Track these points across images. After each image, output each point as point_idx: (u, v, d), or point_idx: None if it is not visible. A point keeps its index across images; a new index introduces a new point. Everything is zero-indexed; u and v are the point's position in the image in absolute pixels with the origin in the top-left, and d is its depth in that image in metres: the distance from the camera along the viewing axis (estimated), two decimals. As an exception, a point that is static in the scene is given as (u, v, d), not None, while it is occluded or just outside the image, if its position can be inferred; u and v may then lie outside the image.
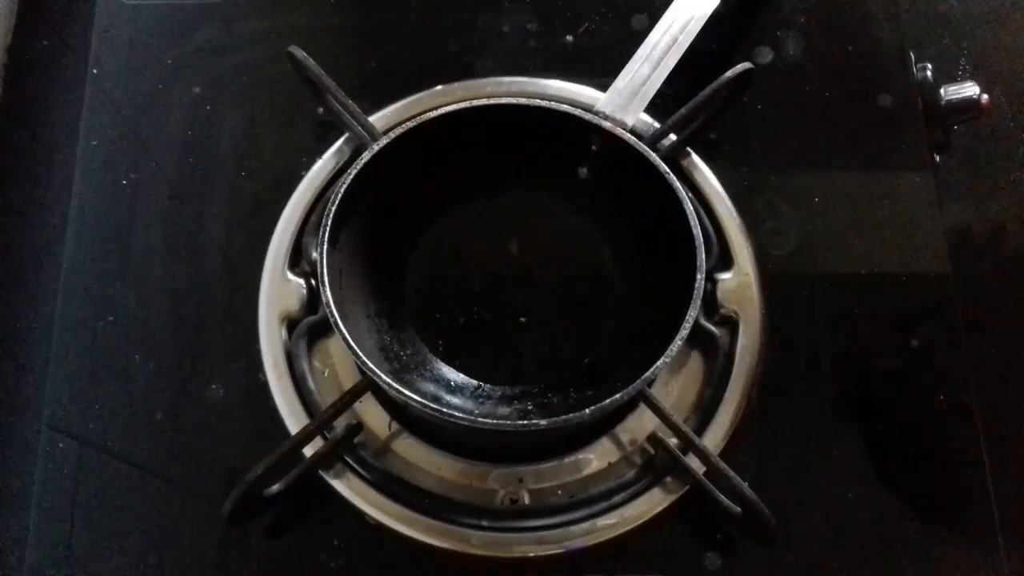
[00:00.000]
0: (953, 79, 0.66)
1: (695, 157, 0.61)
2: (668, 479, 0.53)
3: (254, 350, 0.56)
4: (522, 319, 0.57)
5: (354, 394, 0.52)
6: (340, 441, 0.52)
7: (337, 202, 0.51)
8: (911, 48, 0.65)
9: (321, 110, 0.61)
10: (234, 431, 0.55)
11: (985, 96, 0.64)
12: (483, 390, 0.55)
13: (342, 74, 0.60)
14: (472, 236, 0.59)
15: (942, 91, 0.63)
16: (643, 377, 0.48)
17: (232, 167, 0.61)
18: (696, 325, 0.51)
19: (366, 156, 0.53)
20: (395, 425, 0.54)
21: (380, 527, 0.52)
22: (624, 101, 0.56)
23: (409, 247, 0.58)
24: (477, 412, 0.53)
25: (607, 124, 0.54)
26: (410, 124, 0.54)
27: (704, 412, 0.54)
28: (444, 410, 0.48)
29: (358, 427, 0.54)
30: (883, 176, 0.61)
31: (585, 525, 0.52)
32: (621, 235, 0.58)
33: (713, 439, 0.53)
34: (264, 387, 0.55)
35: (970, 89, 0.64)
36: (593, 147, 0.56)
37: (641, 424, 0.54)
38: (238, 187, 0.61)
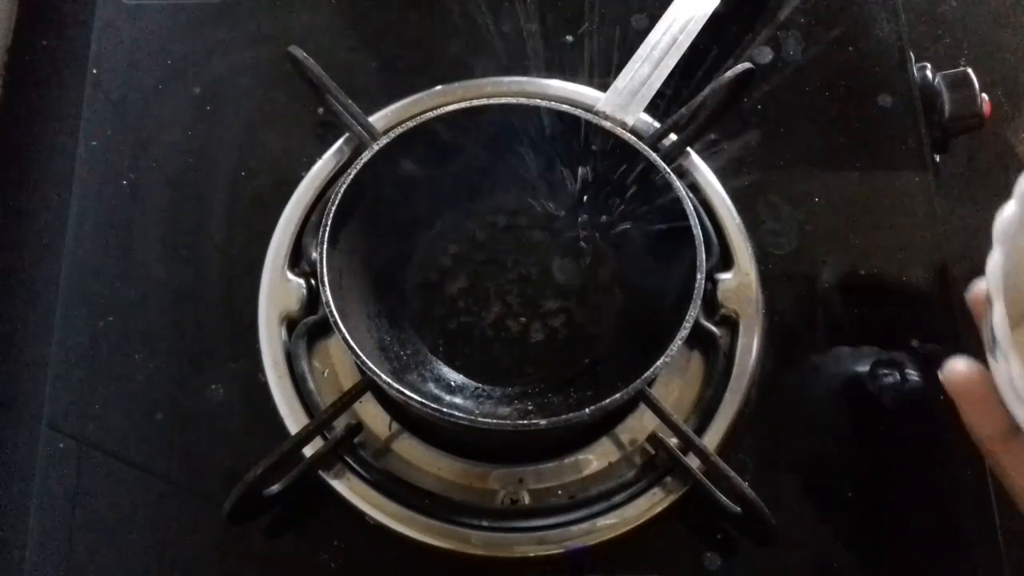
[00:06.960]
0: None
1: (695, 157, 0.61)
2: (668, 479, 0.53)
3: (254, 350, 0.56)
4: (522, 319, 0.57)
5: (354, 394, 0.52)
6: (340, 441, 0.52)
7: (337, 202, 0.51)
8: (911, 48, 0.65)
9: (321, 110, 0.62)
10: (234, 431, 0.55)
11: (986, 99, 0.64)
12: (483, 390, 0.55)
13: (342, 74, 0.60)
14: (472, 236, 0.59)
15: (937, 80, 0.63)
16: (643, 377, 0.47)
17: (232, 167, 0.61)
18: (696, 325, 0.51)
19: (366, 156, 0.53)
20: (395, 425, 0.54)
21: (380, 527, 0.52)
22: (624, 101, 0.56)
23: (409, 247, 0.59)
24: (477, 412, 0.53)
25: (607, 124, 0.54)
26: (410, 124, 0.54)
27: (704, 412, 0.54)
28: (444, 410, 0.47)
29: (358, 427, 0.54)
30: (883, 176, 0.61)
31: (585, 525, 0.52)
32: (621, 235, 0.58)
33: (713, 439, 0.53)
34: (264, 387, 0.55)
35: (969, 89, 0.64)
36: (593, 147, 0.56)
37: (641, 424, 0.54)
38: (238, 187, 0.61)
